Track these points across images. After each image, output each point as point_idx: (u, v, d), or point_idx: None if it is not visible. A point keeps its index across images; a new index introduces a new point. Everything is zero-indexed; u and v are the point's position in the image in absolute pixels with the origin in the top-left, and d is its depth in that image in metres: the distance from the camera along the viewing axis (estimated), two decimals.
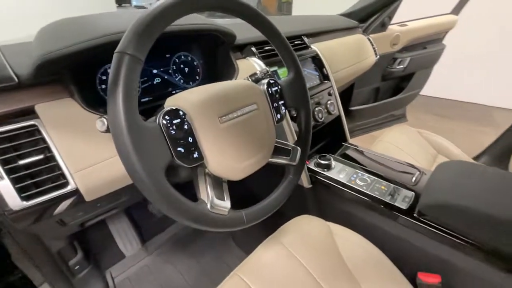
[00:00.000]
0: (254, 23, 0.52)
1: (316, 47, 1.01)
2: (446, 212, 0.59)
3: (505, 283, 0.53)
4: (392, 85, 1.77)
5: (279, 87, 0.59)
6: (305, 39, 1.00)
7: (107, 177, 0.51)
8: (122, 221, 1.05)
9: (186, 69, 0.71)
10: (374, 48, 1.31)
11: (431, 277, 0.61)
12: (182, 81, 0.71)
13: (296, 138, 0.71)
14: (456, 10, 1.68)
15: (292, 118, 0.83)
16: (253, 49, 0.81)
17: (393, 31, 1.49)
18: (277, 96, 0.58)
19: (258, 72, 0.60)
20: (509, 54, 2.81)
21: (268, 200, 0.54)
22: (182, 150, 0.40)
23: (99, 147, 0.50)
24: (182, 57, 0.70)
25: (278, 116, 0.58)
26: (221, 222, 0.43)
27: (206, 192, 0.43)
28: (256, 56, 0.81)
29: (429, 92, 3.12)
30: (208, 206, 0.42)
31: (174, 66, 0.69)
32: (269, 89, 0.57)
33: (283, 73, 0.87)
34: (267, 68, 0.68)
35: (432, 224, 0.62)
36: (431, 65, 1.76)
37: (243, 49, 0.81)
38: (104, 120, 0.37)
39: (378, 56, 1.33)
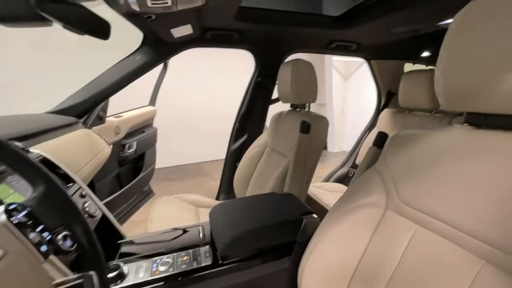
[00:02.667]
0: None
1: (39, 149, 0.82)
2: (238, 242, 0.74)
3: None
4: (132, 167, 1.85)
5: (28, 209, 0.42)
6: (18, 144, 0.78)
7: None
8: None
9: None
10: (104, 139, 1.31)
11: None
12: None
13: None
14: (152, 102, 2.16)
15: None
16: None
17: (113, 122, 1.60)
18: (30, 222, 0.41)
19: None
20: (186, 124, 4.07)
21: None
22: None
23: None
24: None
25: (44, 247, 0.41)
26: None
27: None
28: None
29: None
30: None
31: None
32: (13, 218, 0.39)
33: (2, 190, 0.60)
34: None
35: (237, 258, 0.74)
36: (153, 144, 2.09)
37: None
38: None
39: (111, 146, 1.35)
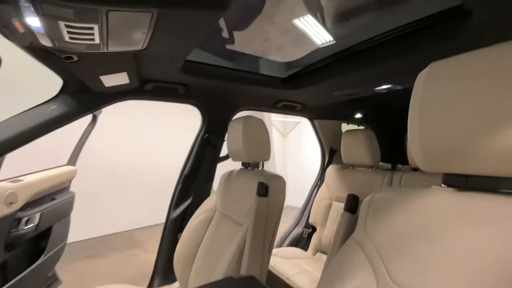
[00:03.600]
0: None
1: None
2: None
3: None
4: (28, 249, 1.35)
5: None
6: None
7: None
8: None
9: None
10: None
11: None
12: None
13: None
14: (72, 161, 1.77)
15: None
16: None
17: (5, 189, 1.18)
18: None
19: None
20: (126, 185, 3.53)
21: None
22: None
23: None
24: None
25: None
26: None
27: None
28: None
29: (75, 238, 2.88)
30: None
31: None
32: None
33: None
34: None
35: None
36: (67, 214, 1.63)
37: None
38: None
39: None
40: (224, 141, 1.63)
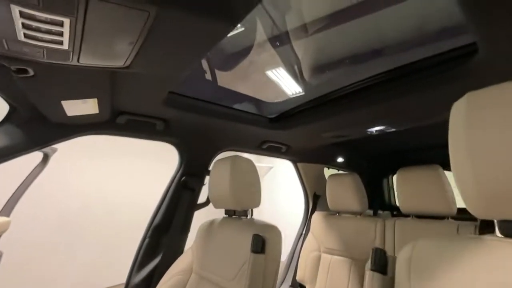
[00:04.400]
0: None
1: None
2: None
3: None
4: None
5: None
6: None
7: None
8: None
9: None
10: None
11: None
12: None
13: None
14: (6, 211, 1.41)
15: None
16: None
17: None
18: None
19: None
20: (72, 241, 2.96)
21: None
22: None
23: None
24: None
25: None
26: None
27: None
28: None
29: None
30: None
31: None
32: None
33: None
34: None
35: None
36: None
37: None
38: None
39: None
40: (204, 184, 1.44)
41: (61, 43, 0.44)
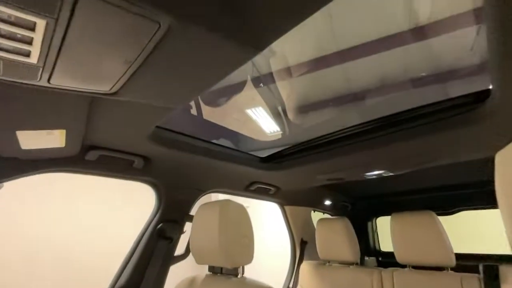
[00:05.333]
0: None
1: None
2: None
3: None
4: None
5: None
6: None
7: None
8: None
9: None
10: None
11: None
12: None
13: None
14: None
15: None
16: None
17: None
18: None
19: None
20: None
21: None
22: None
23: None
24: None
25: None
26: None
27: None
28: None
29: None
30: None
31: None
32: None
33: None
34: None
35: None
36: None
37: None
38: None
39: None
40: (183, 232, 1.24)
41: (27, 54, 0.32)
